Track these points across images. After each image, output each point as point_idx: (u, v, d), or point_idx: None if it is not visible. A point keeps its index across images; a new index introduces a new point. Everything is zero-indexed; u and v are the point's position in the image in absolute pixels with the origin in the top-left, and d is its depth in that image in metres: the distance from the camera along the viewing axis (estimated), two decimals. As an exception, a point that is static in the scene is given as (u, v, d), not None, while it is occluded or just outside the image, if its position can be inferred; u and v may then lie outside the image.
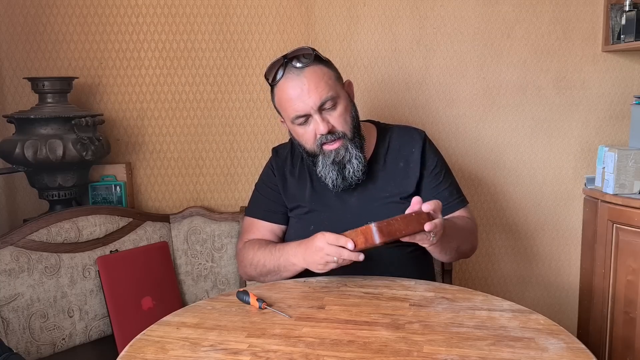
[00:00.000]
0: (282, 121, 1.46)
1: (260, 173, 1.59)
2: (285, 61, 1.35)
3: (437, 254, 1.34)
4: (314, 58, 1.35)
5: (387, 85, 2.07)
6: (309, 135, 1.37)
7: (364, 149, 1.41)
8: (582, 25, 2.08)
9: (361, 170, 1.38)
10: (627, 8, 1.96)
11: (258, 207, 1.53)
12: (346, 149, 1.36)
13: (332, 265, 1.22)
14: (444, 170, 1.50)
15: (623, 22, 1.97)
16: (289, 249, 1.32)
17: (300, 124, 1.36)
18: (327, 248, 1.20)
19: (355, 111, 1.42)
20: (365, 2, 2.05)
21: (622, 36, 1.98)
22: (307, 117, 1.35)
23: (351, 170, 1.38)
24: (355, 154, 1.37)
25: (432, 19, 2.06)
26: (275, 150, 1.57)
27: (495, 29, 2.07)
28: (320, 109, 1.33)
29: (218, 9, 2.02)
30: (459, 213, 1.48)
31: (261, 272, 1.39)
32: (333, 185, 1.40)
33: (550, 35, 2.08)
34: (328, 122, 1.34)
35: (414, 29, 2.06)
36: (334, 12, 2.05)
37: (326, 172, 1.38)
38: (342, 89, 1.40)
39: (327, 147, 1.36)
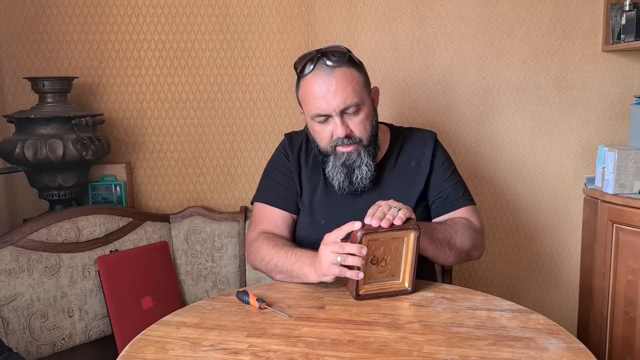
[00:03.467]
0: (301, 112, 1.45)
1: (269, 159, 1.56)
2: (318, 56, 1.33)
3: (433, 257, 1.34)
4: (347, 59, 1.33)
5: (387, 85, 2.07)
6: (325, 134, 1.36)
7: (377, 156, 1.42)
8: (582, 25, 2.08)
9: (369, 177, 1.38)
10: (627, 8, 1.96)
11: (270, 193, 1.49)
12: (358, 154, 1.36)
13: (336, 270, 1.18)
14: (452, 168, 1.51)
15: (623, 22, 1.97)
16: (306, 259, 1.28)
17: (319, 122, 1.36)
18: (330, 246, 1.18)
19: (376, 119, 1.42)
20: (365, 2, 2.05)
21: (622, 36, 1.98)
22: (327, 117, 1.34)
23: (359, 176, 1.38)
24: (367, 162, 1.37)
25: (432, 18, 2.06)
26: (290, 136, 1.55)
27: (495, 29, 2.07)
28: (343, 112, 1.33)
29: (218, 9, 2.02)
30: (462, 211, 1.46)
31: (271, 270, 1.37)
32: (339, 188, 1.40)
33: (550, 35, 2.08)
34: (347, 127, 1.34)
35: (414, 28, 2.06)
36: (334, 12, 2.05)
37: (334, 173, 1.39)
38: (367, 96, 1.38)
39: (340, 149, 1.36)
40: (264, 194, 1.51)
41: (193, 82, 2.05)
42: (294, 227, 1.50)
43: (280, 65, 2.06)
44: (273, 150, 1.58)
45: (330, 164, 1.38)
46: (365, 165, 1.37)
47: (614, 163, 1.92)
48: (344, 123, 1.33)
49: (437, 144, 1.50)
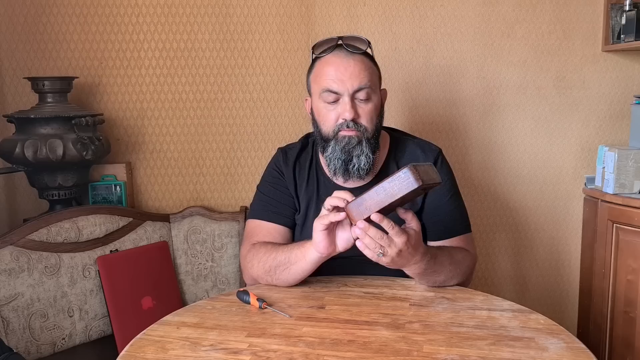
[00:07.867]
0: (306, 99, 1.43)
1: (262, 174, 1.53)
2: (339, 42, 1.34)
3: (418, 280, 1.28)
4: (367, 49, 1.35)
5: (387, 85, 2.04)
6: (331, 116, 1.33)
7: (376, 157, 1.38)
8: (582, 25, 2.08)
9: (366, 169, 1.34)
10: (627, 8, 1.96)
11: (264, 209, 1.44)
12: (359, 142, 1.32)
13: (324, 223, 1.14)
14: (452, 192, 1.42)
15: (623, 21, 1.97)
16: (304, 241, 1.25)
17: (327, 102, 1.33)
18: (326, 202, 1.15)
19: (381, 119, 1.40)
20: (365, 2, 2.05)
21: (622, 36, 1.98)
22: (337, 97, 1.32)
23: (356, 165, 1.33)
24: (367, 153, 1.33)
25: (432, 18, 2.06)
26: (284, 151, 1.49)
27: (495, 29, 2.07)
28: (354, 96, 1.31)
29: (218, 8, 2.02)
30: (457, 240, 1.38)
31: (269, 270, 1.30)
32: (334, 173, 1.36)
33: (550, 35, 2.08)
34: (356, 111, 1.32)
35: (414, 28, 2.06)
36: (334, 12, 2.05)
37: (332, 157, 1.34)
38: (378, 91, 1.38)
39: (343, 133, 1.32)
40: (258, 211, 1.45)
41: (193, 82, 2.05)
42: (292, 241, 1.43)
43: (280, 65, 2.06)
44: (273, 151, 1.56)
45: (330, 148, 1.34)
46: (365, 156, 1.33)
47: (614, 163, 1.92)
48: (353, 106, 1.31)
49: (438, 160, 1.43)
